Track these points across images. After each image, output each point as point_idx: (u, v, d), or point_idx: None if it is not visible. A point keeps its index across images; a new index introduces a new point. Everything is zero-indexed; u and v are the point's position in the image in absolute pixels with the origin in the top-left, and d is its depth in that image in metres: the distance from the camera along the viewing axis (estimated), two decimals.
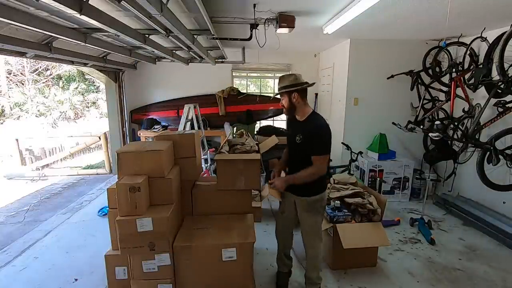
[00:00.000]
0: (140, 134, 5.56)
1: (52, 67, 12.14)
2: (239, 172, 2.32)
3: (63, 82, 12.38)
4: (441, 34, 3.81)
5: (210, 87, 5.76)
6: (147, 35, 3.12)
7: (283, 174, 2.34)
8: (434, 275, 2.63)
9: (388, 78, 4.33)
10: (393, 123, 4.15)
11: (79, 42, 2.89)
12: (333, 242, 2.60)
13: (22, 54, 3.13)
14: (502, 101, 3.03)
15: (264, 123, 6.20)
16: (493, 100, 3.07)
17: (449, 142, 3.65)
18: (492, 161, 2.96)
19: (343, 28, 3.28)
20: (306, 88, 2.09)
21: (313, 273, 2.30)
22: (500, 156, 2.94)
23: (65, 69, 12.12)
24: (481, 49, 3.48)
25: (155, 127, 5.57)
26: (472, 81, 3.24)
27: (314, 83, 2.21)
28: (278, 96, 2.14)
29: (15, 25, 2.19)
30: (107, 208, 2.44)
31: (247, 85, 6.53)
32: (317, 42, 4.75)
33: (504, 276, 2.61)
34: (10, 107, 11.85)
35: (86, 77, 12.10)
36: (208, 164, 4.93)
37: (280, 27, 3.00)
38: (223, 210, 2.45)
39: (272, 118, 6.18)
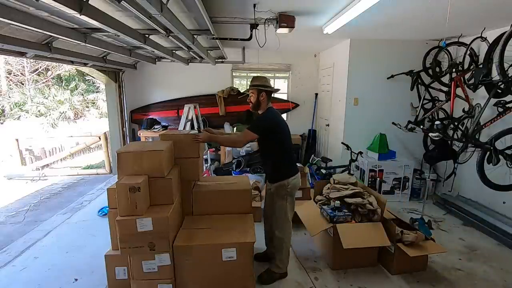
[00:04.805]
0: (140, 134, 5.56)
1: (52, 67, 12.15)
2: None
3: (63, 82, 12.38)
4: (441, 34, 3.81)
5: (210, 87, 5.76)
6: (147, 35, 3.12)
7: None
8: (434, 275, 2.63)
9: (388, 78, 4.34)
10: (393, 123, 4.15)
11: (79, 42, 2.89)
12: (333, 242, 2.60)
13: (22, 54, 3.13)
14: (502, 101, 3.03)
15: None
16: (493, 100, 3.06)
17: (449, 142, 3.65)
18: (492, 161, 2.95)
19: (343, 28, 3.27)
20: (272, 91, 2.43)
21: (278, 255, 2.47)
22: (500, 156, 2.94)
23: (65, 69, 12.12)
24: (481, 49, 3.48)
25: (155, 127, 5.57)
26: (472, 81, 3.24)
27: (278, 90, 2.66)
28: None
29: (15, 25, 2.19)
30: (107, 208, 2.45)
31: (247, 85, 6.52)
32: (317, 42, 4.75)
33: (504, 276, 2.61)
34: (10, 107, 11.86)
35: (86, 77, 12.10)
36: (208, 164, 4.93)
37: (280, 27, 3.00)
38: (223, 210, 2.45)
39: None
